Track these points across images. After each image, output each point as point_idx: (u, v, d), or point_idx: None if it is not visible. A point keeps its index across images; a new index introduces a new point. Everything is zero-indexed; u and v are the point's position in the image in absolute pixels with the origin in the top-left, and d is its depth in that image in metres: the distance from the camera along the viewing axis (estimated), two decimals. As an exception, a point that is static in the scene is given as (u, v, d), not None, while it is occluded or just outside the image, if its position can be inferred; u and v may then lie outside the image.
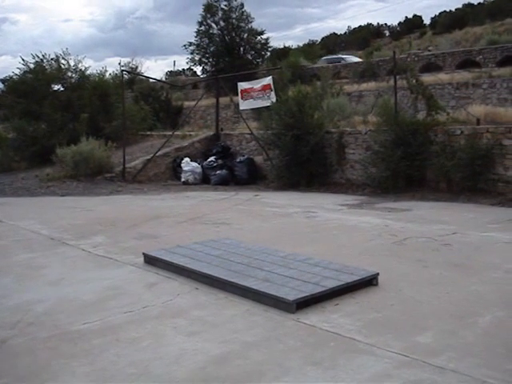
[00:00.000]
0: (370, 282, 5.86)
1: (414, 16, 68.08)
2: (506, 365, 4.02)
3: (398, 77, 14.46)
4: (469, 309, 5.17)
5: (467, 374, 3.90)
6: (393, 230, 8.65)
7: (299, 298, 5.20)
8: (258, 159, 16.31)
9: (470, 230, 8.45)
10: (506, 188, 11.35)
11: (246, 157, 16.40)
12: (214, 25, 38.27)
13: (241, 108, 17.74)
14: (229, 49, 37.07)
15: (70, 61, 21.06)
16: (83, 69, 21.30)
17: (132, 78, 30.94)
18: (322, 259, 6.51)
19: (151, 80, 28.67)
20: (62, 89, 21.49)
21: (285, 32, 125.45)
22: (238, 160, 16.28)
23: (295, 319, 5.04)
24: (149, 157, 17.12)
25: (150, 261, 7.04)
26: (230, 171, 16.07)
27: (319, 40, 68.02)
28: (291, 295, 5.23)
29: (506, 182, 11.40)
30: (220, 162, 16.35)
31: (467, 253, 7.14)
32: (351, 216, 10.12)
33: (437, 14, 63.00)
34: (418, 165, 12.31)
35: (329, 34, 73.02)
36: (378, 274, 5.93)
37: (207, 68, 38.88)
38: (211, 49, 38.31)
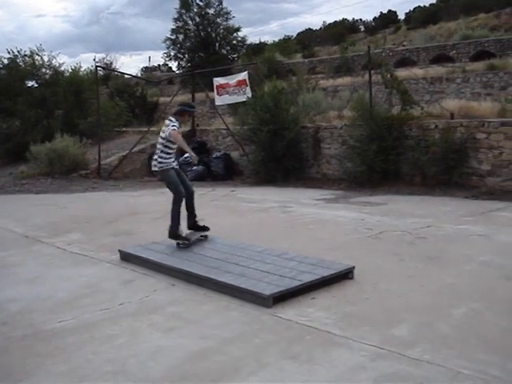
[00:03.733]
0: (345, 275, 5.90)
1: (389, 11, 68.36)
2: (479, 355, 4.08)
3: (372, 72, 14.52)
4: (443, 301, 5.23)
5: (442, 365, 3.95)
6: (368, 223, 8.70)
7: (276, 293, 5.22)
8: (235, 155, 16.29)
9: (444, 223, 8.53)
10: (480, 181, 11.49)
11: (222, 152, 16.36)
12: (189, 20, 38.09)
13: (216, 103, 17.69)
14: (204, 44, 36.91)
15: (43, 57, 20.80)
16: (57, 65, 21.04)
17: (107, 74, 30.69)
18: (298, 254, 6.53)
19: (126, 76, 28.44)
20: (35, 85, 21.21)
21: (261, 27, 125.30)
22: (214, 156, 16.24)
23: (272, 314, 5.06)
24: (124, 153, 17.00)
25: (126, 257, 7.01)
26: (207, 167, 16.01)
27: (295, 35, 68.01)
28: (268, 290, 5.25)
29: (480, 175, 11.53)
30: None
31: (442, 246, 7.22)
32: (327, 210, 10.16)
33: (411, 9, 63.37)
34: (393, 159, 12.39)
35: (304, 29, 73.09)
36: (353, 267, 5.98)
37: (183, 63, 38.70)
38: (187, 44, 38.13)
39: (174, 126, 7.01)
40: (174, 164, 7.32)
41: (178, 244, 7.15)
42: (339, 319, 4.87)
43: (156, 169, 7.26)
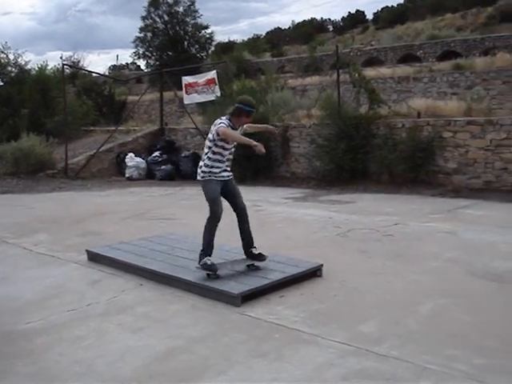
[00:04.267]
0: (314, 273, 5.94)
1: (357, 11, 68.87)
2: (446, 351, 4.14)
3: (341, 71, 14.61)
4: (410, 297, 5.29)
5: (409, 361, 4.00)
6: (337, 221, 8.76)
7: (244, 291, 5.23)
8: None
9: (411, 221, 8.63)
10: (446, 179, 11.65)
11: (191, 151, 16.29)
12: (157, 18, 37.83)
13: (185, 102, 17.61)
14: (173, 42, 36.68)
15: (9, 55, 20.50)
16: (23, 63, 20.76)
17: (74, 73, 30.32)
18: (267, 252, 6.53)
19: (94, 74, 28.16)
20: (1, 83, 20.89)
21: (230, 26, 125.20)
22: (183, 155, 16.17)
23: (241, 312, 5.06)
24: (92, 152, 16.83)
25: (94, 258, 6.93)
26: (175, 166, 15.94)
27: (264, 34, 68.09)
28: (236, 289, 5.25)
29: (446, 173, 11.69)
30: (165, 156, 16.21)
31: (409, 243, 7.30)
32: (296, 209, 10.20)
33: (379, 9, 63.97)
34: (361, 158, 12.50)
35: (273, 28, 73.22)
36: (322, 265, 6.01)
37: (151, 62, 38.41)
38: (155, 42, 37.87)
39: (221, 123, 5.65)
40: (225, 174, 5.95)
41: (208, 275, 5.75)
42: (308, 317, 4.89)
43: (198, 178, 5.93)
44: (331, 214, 9.49)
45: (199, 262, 5.78)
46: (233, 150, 5.96)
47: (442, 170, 11.75)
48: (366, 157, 12.52)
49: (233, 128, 5.70)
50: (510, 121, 11.08)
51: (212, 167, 5.81)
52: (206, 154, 5.83)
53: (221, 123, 5.65)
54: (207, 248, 5.81)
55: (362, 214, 9.38)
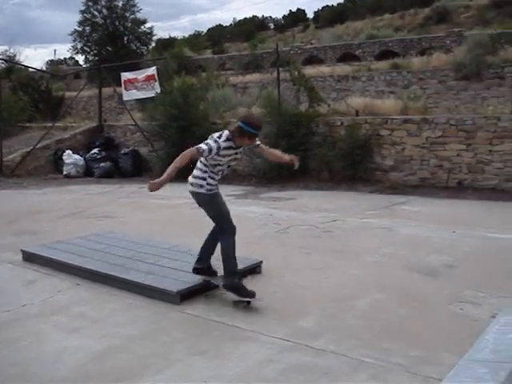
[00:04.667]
0: (253, 270, 5.96)
1: (298, 10, 69.42)
2: (382, 344, 4.22)
3: (281, 69, 14.70)
4: (348, 292, 5.38)
5: (346, 355, 4.07)
6: (277, 218, 8.82)
7: (183, 289, 5.20)
8: (143, 151, 16.05)
9: (349, 217, 8.77)
10: (384, 176, 11.89)
11: (130, 148, 16.08)
12: (96, 12, 37.16)
13: (124, 99, 17.37)
14: (112, 38, 36.11)
15: None
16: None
17: (10, 67, 29.44)
18: (206, 249, 6.51)
19: (31, 69, 27.44)
20: None
21: (171, 22, 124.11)
22: (122, 152, 15.93)
23: (180, 310, 5.03)
24: (28, 149, 16.38)
25: (29, 258, 6.76)
26: (114, 163, 15.69)
27: (205, 31, 67.81)
28: (175, 286, 5.22)
29: (384, 170, 11.93)
30: (103, 154, 15.93)
31: (347, 239, 7.42)
32: (237, 206, 10.16)
33: (320, 8, 64.64)
34: (301, 155, 12.48)
35: (215, 25, 73.02)
36: (261, 262, 6.04)
37: (90, 57, 37.72)
38: (94, 37, 37.19)
39: (206, 142, 4.97)
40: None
41: (237, 302, 5.06)
42: (247, 313, 4.91)
43: (200, 190, 5.24)
44: (272, 210, 9.54)
45: (228, 285, 5.14)
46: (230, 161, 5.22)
47: (380, 167, 11.98)
48: (306, 154, 12.62)
49: (233, 148, 5.04)
50: (445, 119, 11.39)
51: (213, 179, 5.19)
52: (213, 166, 5.14)
53: (206, 142, 4.97)
54: (234, 267, 5.16)
55: (301, 210, 9.47)
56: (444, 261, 6.31)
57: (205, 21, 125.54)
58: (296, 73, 13.63)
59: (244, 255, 6.32)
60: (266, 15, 73.98)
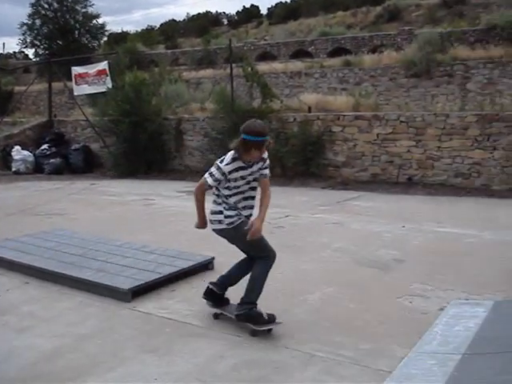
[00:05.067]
0: (206, 266, 5.96)
1: (252, 6, 69.47)
2: (333, 338, 4.28)
3: (234, 65, 14.69)
4: (299, 287, 5.42)
5: (297, 349, 4.11)
6: (230, 215, 8.80)
7: (135, 287, 5.16)
8: (95, 147, 15.82)
9: (302, 213, 8.83)
10: (336, 172, 12.01)
11: (81, 144, 15.82)
12: (47, 6, 36.36)
13: (75, 93, 17.09)
14: (63, 32, 35.42)
15: None
16: None
17: (-45, 61, 28.68)
18: (158, 246, 6.49)
19: (-23, 63, 26.76)
20: None
21: (123, 16, 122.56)
22: (73, 148, 15.66)
23: (131, 308, 4.99)
24: (-25, 145, 15.97)
25: (-24, 256, 6.59)
26: (65, 159, 15.42)
27: (158, 26, 67.21)
28: (126, 284, 5.18)
29: (336, 166, 12.05)
30: (54, 149, 15.63)
31: (299, 234, 7.47)
32: (189, 202, 10.03)
33: (273, 4, 64.82)
34: (254, 151, 12.60)
35: (168, 20, 72.43)
36: (213, 258, 6.04)
37: (40, 51, 36.92)
38: (44, 31, 36.40)
39: (211, 172, 4.40)
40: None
41: (256, 331, 4.39)
42: (199, 310, 4.90)
43: (222, 226, 4.54)
44: (224, 207, 9.51)
45: (242, 316, 4.46)
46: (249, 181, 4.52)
47: (332, 163, 12.09)
48: (260, 150, 12.64)
49: (245, 167, 4.40)
50: (396, 116, 11.56)
51: (232, 209, 4.49)
52: (229, 196, 4.47)
53: (210, 172, 4.41)
54: (256, 299, 4.52)
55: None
56: (394, 255, 6.42)
57: (158, 15, 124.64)
58: (249, 69, 13.62)
59: (196, 251, 6.33)
60: (219, 11, 73.88)
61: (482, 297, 5.03)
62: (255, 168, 4.47)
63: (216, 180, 4.36)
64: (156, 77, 16.93)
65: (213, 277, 5.75)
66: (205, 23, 62.55)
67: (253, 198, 4.61)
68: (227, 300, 4.80)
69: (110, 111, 14.32)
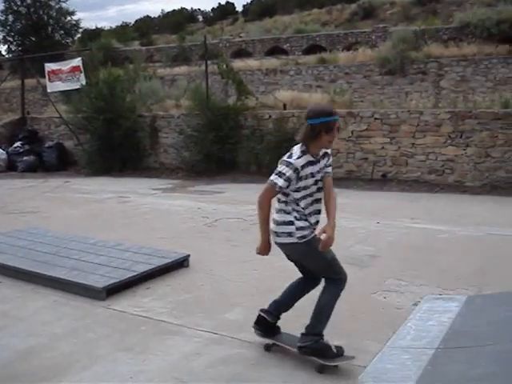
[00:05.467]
0: (181, 264, 5.94)
1: (227, 3, 69.23)
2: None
3: (209, 62, 14.67)
4: (275, 284, 5.40)
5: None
6: (205, 212, 8.80)
7: (109, 285, 5.13)
8: (69, 144, 15.67)
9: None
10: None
11: (55, 142, 15.66)
12: (19, 1, 35.86)
13: (49, 90, 16.90)
14: (36, 28, 35.00)
15: None
16: None
17: None
18: (133, 244, 6.46)
19: None
20: None
21: (98, 12, 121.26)
22: (46, 145, 15.49)
23: (105, 306, 4.96)
24: None
25: None
26: (39, 157, 15.26)
27: (133, 22, 66.69)
28: (101, 282, 5.14)
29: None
30: (27, 147, 15.44)
31: (275, 231, 7.47)
32: (164, 200, 10.14)
33: (249, 1, 64.68)
34: (230, 148, 12.61)
35: (143, 16, 71.92)
36: (188, 255, 6.02)
37: (13, 47, 36.44)
38: (17, 27, 35.92)
39: (280, 172, 3.75)
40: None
41: (324, 366, 3.83)
42: (174, 308, 4.89)
43: (290, 240, 3.91)
44: (199, 204, 9.51)
45: (309, 349, 3.88)
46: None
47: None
48: (235, 147, 12.66)
49: (313, 161, 3.83)
50: (370, 113, 11.64)
51: (304, 219, 3.88)
52: (298, 200, 3.85)
53: (278, 172, 3.77)
54: (323, 329, 3.97)
55: (230, 203, 9.49)
56: (368, 251, 6.47)
57: (133, 12, 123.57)
58: (224, 66, 13.62)
59: (171, 249, 6.32)
60: (194, 7, 73.57)
61: (455, 292, 5.10)
62: (322, 164, 3.90)
63: (287, 180, 3.71)
64: (130, 73, 16.80)
65: (188, 274, 5.78)
66: (180, 20, 62.19)
67: (320, 200, 3.98)
68: (278, 328, 4.22)
69: (84, 108, 14.21)
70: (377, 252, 6.43)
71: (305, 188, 3.81)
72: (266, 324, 4.16)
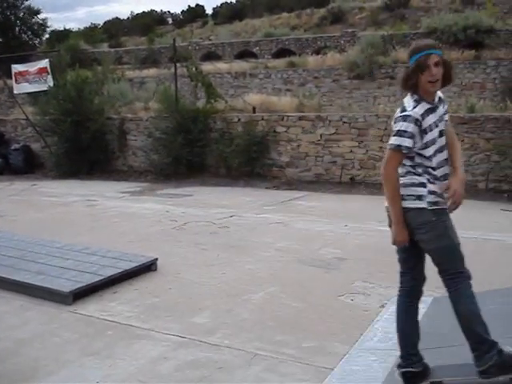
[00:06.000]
0: (149, 267, 5.91)
1: (197, 5, 69.10)
2: (275, 336, 4.32)
3: (179, 65, 14.61)
4: (243, 287, 5.44)
5: (241, 349, 4.13)
6: (173, 215, 8.77)
7: (76, 289, 5.08)
8: (36, 146, 15.46)
9: (246, 213, 8.86)
10: (280, 172, 12.09)
11: (21, 144, 15.42)
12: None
13: (15, 92, 16.63)
14: (2, 28, 34.53)
15: None
16: None
17: None
18: (100, 248, 6.40)
19: None
20: None
21: (67, 13, 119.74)
22: (12, 147, 15.24)
23: (72, 311, 4.92)
24: None
25: None
26: (5, 160, 15.03)
27: (102, 24, 66.15)
28: (67, 286, 5.09)
29: (280, 166, 12.13)
30: (-7, 150, 15.24)
31: (243, 234, 7.49)
32: (132, 203, 10.07)
33: (218, 4, 64.68)
34: (199, 151, 12.58)
35: (112, 18, 71.35)
36: (156, 259, 5.99)
37: (-21, 48, 35.91)
38: (-17, 27, 35.41)
39: (400, 130, 3.21)
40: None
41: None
42: (142, 312, 4.87)
43: (421, 205, 3.25)
44: (168, 207, 9.47)
45: (492, 369, 3.16)
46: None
47: (276, 164, 12.16)
48: (204, 150, 12.62)
49: (432, 108, 3.26)
50: (338, 117, 11.72)
51: (435, 182, 3.28)
52: (428, 157, 3.27)
53: (397, 130, 3.23)
54: (484, 335, 3.23)
55: (199, 206, 9.47)
56: (336, 254, 6.51)
57: (102, 13, 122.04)
58: (194, 69, 13.60)
59: (139, 252, 6.28)
60: (164, 10, 73.17)
61: (421, 294, 5.16)
62: (442, 110, 3.35)
63: (411, 136, 3.17)
64: (99, 75, 16.64)
65: (156, 278, 5.75)
66: (149, 22, 61.85)
67: (448, 160, 3.37)
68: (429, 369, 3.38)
69: (52, 110, 14.03)
70: (344, 255, 6.48)
71: (433, 142, 3.24)
72: (416, 374, 3.34)
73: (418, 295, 3.46)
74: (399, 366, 3.37)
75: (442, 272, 3.30)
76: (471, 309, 3.21)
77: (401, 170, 3.30)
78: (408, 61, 3.31)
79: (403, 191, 3.29)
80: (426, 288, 4.55)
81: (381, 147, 11.13)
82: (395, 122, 3.26)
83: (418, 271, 3.42)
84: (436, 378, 3.30)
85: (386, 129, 11.08)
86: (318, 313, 4.77)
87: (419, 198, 3.25)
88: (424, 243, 3.30)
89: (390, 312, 4.71)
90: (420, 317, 4.18)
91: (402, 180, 3.30)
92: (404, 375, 3.33)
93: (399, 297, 3.45)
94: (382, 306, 4.86)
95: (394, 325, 4.16)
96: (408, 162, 3.29)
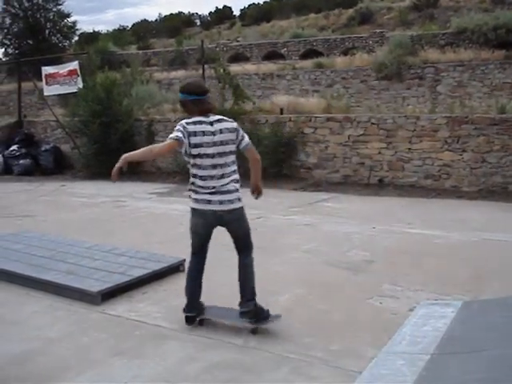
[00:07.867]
0: (177, 268, 5.93)
1: (225, 7, 69.36)
2: (303, 339, 4.30)
3: (206, 66, 14.67)
4: (270, 288, 5.41)
5: (269, 351, 4.11)
6: (201, 216, 8.77)
7: (104, 289, 5.12)
8: (65, 148, 15.65)
9: (273, 214, 8.85)
10: (307, 173, 12.05)
11: (51, 145, 15.63)
12: (17, 4, 35.84)
13: (45, 94, 16.87)
14: (33, 31, 34.96)
15: None
16: None
17: None
18: (129, 248, 6.44)
19: None
20: None
21: (96, 16, 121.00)
22: (43, 149, 15.47)
23: (100, 311, 4.95)
24: None
25: None
26: (35, 160, 15.25)
27: (130, 26, 66.73)
28: (96, 287, 5.13)
29: (308, 167, 12.10)
30: (23, 150, 15.43)
31: (270, 236, 7.47)
32: (160, 204, 10.13)
33: (246, 6, 64.81)
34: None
35: (140, 20, 71.94)
36: (184, 260, 5.98)
37: (10, 50, 36.39)
38: (14, 30, 35.88)
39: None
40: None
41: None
42: (170, 312, 4.88)
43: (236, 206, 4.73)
44: (196, 208, 9.48)
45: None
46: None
47: (304, 165, 12.13)
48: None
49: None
50: (367, 118, 11.64)
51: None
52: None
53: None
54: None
55: (226, 208, 9.46)
56: (364, 256, 6.47)
57: (131, 15, 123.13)
58: (221, 70, 13.62)
59: (167, 253, 6.31)
60: (192, 11, 73.47)
61: (451, 297, 5.09)
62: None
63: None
64: (127, 77, 16.80)
65: (184, 279, 5.74)
66: (177, 24, 62.24)
67: None
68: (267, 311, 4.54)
69: (81, 112, 14.19)
70: (372, 257, 6.43)
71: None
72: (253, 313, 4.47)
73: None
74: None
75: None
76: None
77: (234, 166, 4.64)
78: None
79: (234, 196, 4.77)
80: (454, 292, 4.53)
81: (409, 148, 11.04)
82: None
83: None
84: (205, 316, 4.59)
85: (414, 130, 10.99)
86: (346, 315, 4.74)
87: (240, 200, 4.78)
88: (238, 232, 4.97)
89: (418, 316, 4.67)
90: (449, 321, 4.14)
91: (232, 187, 4.69)
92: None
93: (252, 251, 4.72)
94: (411, 310, 4.81)
95: (423, 328, 4.14)
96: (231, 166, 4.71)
